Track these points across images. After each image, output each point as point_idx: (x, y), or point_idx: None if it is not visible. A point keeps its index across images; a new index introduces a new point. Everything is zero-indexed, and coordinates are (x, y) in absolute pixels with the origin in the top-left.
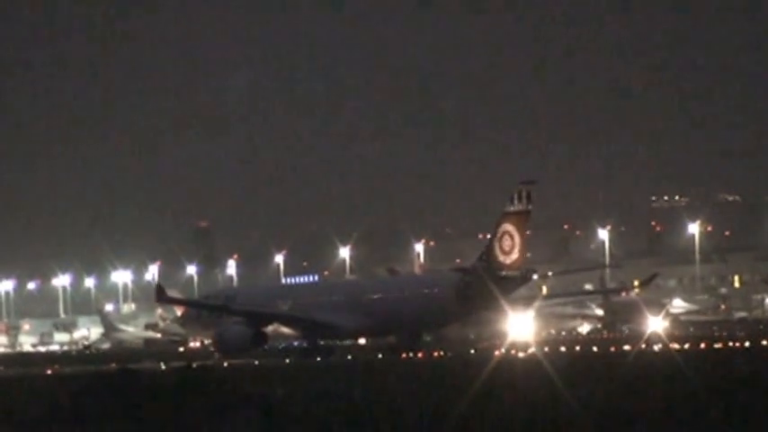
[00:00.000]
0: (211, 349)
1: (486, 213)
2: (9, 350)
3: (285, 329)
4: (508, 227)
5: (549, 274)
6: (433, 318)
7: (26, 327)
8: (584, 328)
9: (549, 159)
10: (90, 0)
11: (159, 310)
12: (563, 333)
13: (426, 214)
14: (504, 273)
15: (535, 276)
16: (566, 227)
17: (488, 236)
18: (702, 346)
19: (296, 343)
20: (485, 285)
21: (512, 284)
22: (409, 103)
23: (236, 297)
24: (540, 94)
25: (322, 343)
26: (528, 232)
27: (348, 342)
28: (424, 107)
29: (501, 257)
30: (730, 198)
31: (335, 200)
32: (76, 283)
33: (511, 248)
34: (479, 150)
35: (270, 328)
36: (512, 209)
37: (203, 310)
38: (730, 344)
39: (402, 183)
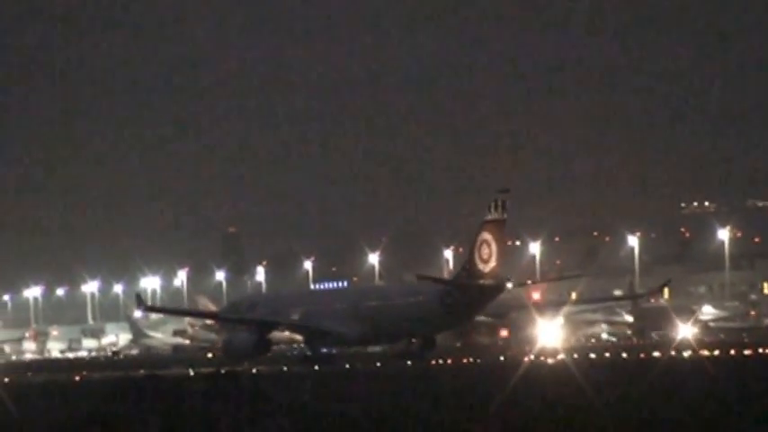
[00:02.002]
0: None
1: (515, 220)
2: (38, 356)
3: (298, 337)
4: (486, 235)
5: (529, 282)
6: (419, 326)
7: (54, 333)
8: (604, 335)
9: (578, 166)
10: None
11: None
12: (593, 340)
13: (456, 220)
14: (481, 281)
15: (509, 285)
16: (595, 233)
17: (517, 242)
18: (732, 352)
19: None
20: (464, 294)
21: (489, 293)
22: (437, 109)
23: (258, 304)
24: (569, 100)
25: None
26: (557, 239)
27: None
28: (452, 113)
29: (480, 266)
30: (760, 204)
31: (365, 206)
32: (105, 289)
33: (489, 257)
34: (510, 157)
35: (285, 335)
36: (489, 217)
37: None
38: (760, 350)
39: (432, 188)
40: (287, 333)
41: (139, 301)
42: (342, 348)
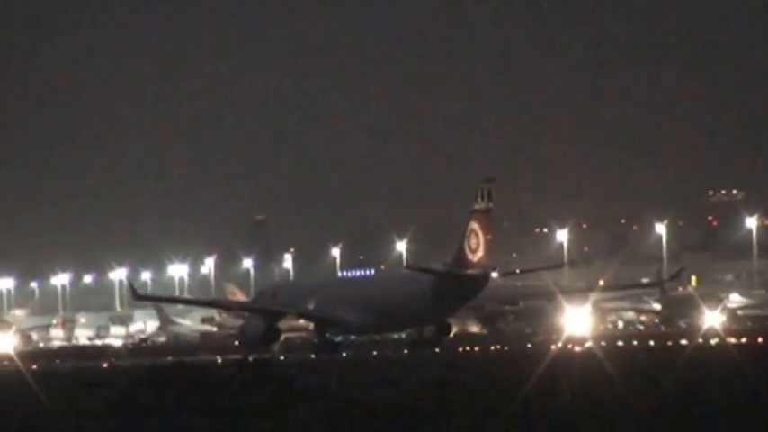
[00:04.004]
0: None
1: (544, 208)
2: (65, 343)
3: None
4: (474, 225)
5: (518, 271)
6: (416, 314)
7: (82, 320)
8: (620, 323)
9: (606, 154)
10: None
11: None
12: (620, 327)
13: None
14: (468, 271)
15: (494, 275)
16: (623, 221)
17: (545, 230)
18: (760, 340)
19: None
20: (453, 284)
21: (477, 283)
22: (466, 97)
23: (280, 292)
24: (596, 86)
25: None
26: (584, 226)
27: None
28: (480, 100)
29: (469, 256)
30: None
31: (393, 193)
32: (133, 276)
33: (476, 247)
34: (537, 146)
35: (300, 323)
36: (476, 207)
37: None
38: None
39: (461, 176)
40: (302, 321)
41: (134, 291)
42: (362, 336)
